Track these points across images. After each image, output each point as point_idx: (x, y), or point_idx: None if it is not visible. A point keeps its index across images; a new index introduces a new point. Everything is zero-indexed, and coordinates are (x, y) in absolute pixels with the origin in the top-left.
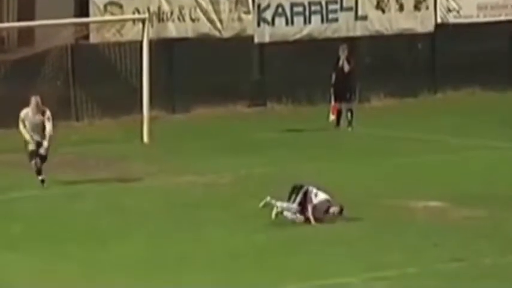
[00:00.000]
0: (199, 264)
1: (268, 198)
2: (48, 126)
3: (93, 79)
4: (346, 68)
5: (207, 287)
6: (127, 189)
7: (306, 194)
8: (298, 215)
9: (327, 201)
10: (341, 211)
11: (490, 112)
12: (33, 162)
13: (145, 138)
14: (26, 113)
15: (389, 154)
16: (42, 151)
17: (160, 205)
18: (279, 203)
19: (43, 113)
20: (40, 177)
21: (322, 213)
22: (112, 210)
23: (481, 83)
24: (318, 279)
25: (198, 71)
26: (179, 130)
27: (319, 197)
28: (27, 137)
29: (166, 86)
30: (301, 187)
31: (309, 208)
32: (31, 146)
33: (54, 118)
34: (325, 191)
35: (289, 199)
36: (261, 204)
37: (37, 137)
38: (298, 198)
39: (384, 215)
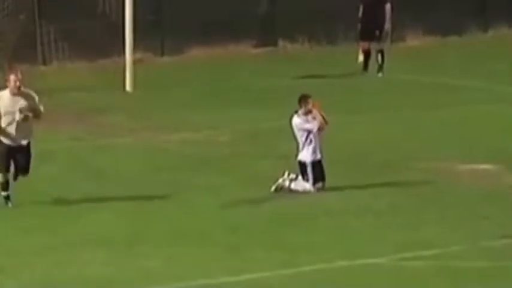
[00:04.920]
0: (191, 238)
1: (280, 180)
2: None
3: (63, 13)
4: None
5: (200, 264)
6: (105, 149)
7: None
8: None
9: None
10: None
11: None
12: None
13: (128, 86)
14: (0, 95)
15: (427, 105)
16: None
17: (145, 168)
18: (293, 185)
19: (26, 97)
20: (4, 193)
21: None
22: (88, 173)
23: None
24: (337, 260)
25: (192, 3)
26: (169, 76)
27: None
28: None
29: (153, 22)
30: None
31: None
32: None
33: (16, 60)
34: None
35: (302, 177)
36: (273, 187)
37: (11, 136)
38: (310, 173)
39: (420, 181)
